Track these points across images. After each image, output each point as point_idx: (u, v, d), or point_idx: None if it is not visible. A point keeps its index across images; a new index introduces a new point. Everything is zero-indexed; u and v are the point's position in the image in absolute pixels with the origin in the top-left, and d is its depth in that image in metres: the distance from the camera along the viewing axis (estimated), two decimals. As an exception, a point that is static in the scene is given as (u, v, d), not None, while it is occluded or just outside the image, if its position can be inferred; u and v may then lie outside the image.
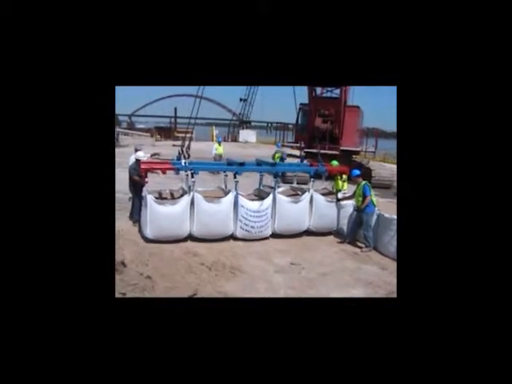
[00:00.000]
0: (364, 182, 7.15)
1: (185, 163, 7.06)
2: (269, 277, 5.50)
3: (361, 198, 7.00)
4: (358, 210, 7.10)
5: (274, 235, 7.22)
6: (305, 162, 10.73)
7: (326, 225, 7.63)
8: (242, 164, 7.61)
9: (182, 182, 7.80)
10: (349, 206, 7.55)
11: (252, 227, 6.90)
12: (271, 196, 7.13)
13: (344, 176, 8.83)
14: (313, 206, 7.42)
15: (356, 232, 7.25)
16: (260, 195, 7.75)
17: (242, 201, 6.86)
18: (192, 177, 6.82)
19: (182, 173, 7.10)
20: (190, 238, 6.62)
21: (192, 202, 6.46)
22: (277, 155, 13.38)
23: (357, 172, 7.32)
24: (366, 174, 13.70)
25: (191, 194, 6.49)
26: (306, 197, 7.43)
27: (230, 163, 8.19)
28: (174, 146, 26.63)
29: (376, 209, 7.04)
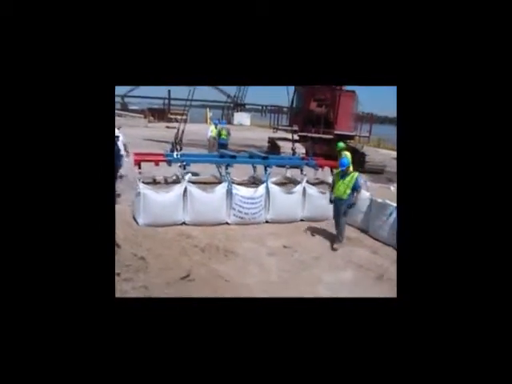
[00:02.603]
0: (357, 174, 6.55)
1: (177, 155, 7.10)
2: (262, 259, 5.59)
3: (349, 191, 6.36)
4: (335, 200, 6.52)
5: (267, 222, 7.27)
6: (297, 155, 10.80)
7: (318, 216, 7.67)
8: (233, 157, 7.72)
9: (176, 168, 7.83)
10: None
11: (246, 214, 6.96)
12: (264, 184, 7.16)
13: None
14: (306, 198, 7.46)
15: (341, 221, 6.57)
16: (255, 182, 7.81)
17: (236, 188, 6.90)
18: (184, 168, 6.86)
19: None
20: (184, 223, 6.65)
21: (185, 191, 6.48)
22: (223, 131, 13.42)
23: (347, 162, 6.51)
24: (360, 159, 13.75)
25: (184, 182, 6.51)
26: (299, 189, 7.47)
27: (222, 155, 8.26)
28: (167, 127, 26.53)
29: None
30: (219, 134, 13.52)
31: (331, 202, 6.65)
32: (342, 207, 6.43)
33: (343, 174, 6.44)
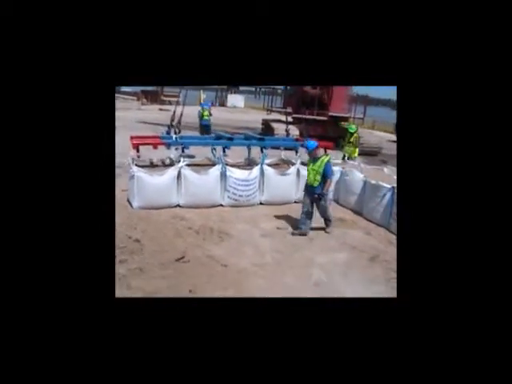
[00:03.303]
0: (327, 158, 5.88)
1: (176, 138, 7.04)
2: (255, 241, 5.62)
3: (319, 178, 5.77)
4: (309, 189, 5.95)
5: (261, 203, 7.30)
6: (290, 136, 10.81)
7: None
8: (230, 139, 7.68)
9: (169, 151, 7.80)
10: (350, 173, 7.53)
11: (240, 196, 6.95)
12: (259, 166, 7.15)
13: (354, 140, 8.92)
14: (300, 180, 7.43)
15: (310, 218, 6.01)
16: (249, 164, 7.80)
17: (231, 170, 6.88)
18: (183, 151, 6.81)
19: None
20: (178, 206, 6.66)
21: (179, 174, 6.45)
22: (205, 113, 13.33)
23: (312, 144, 5.91)
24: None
25: (179, 165, 6.47)
26: (293, 170, 7.45)
27: (218, 137, 8.20)
28: (160, 110, 26.22)
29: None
30: (201, 116, 13.39)
31: (305, 190, 6.09)
32: (313, 196, 5.86)
33: (314, 158, 5.87)
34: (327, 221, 6.17)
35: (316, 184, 5.81)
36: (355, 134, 9.71)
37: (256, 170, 7.10)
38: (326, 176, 5.78)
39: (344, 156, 9.22)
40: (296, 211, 6.50)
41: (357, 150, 9.64)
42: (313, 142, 5.95)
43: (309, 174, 5.95)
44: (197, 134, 12.94)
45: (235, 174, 6.92)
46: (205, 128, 13.19)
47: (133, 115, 19.46)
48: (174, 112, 8.07)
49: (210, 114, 13.63)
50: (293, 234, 5.92)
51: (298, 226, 6.01)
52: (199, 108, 13.97)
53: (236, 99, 37.69)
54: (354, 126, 9.67)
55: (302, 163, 7.72)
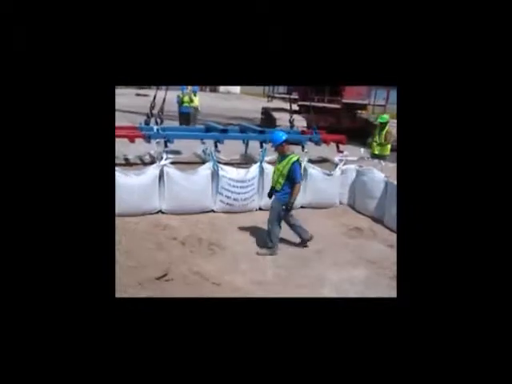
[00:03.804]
0: (295, 158, 5.62)
1: (157, 130, 6.96)
2: (254, 254, 5.62)
3: (283, 181, 5.61)
4: (272, 192, 5.86)
5: (261, 209, 7.31)
6: (295, 128, 10.76)
7: (322, 201, 7.76)
8: (223, 131, 7.60)
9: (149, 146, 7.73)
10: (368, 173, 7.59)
11: (235, 200, 6.95)
12: (258, 164, 7.16)
13: (385, 134, 8.63)
14: (307, 181, 7.49)
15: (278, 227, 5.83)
16: (246, 161, 7.78)
17: (224, 169, 6.86)
18: (166, 146, 6.74)
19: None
20: (160, 212, 6.67)
21: (161, 173, 6.45)
22: (185, 98, 13.18)
23: (277, 137, 5.68)
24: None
25: (161, 162, 6.45)
26: None
27: (209, 129, 8.13)
28: (137, 95, 26.24)
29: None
30: (181, 102, 13.24)
31: (269, 195, 5.98)
32: (278, 204, 5.71)
33: (282, 156, 5.71)
34: (268, 240, 5.77)
35: (279, 187, 5.68)
36: (387, 128, 8.89)
37: (254, 169, 7.11)
38: (292, 180, 5.58)
39: (373, 155, 8.87)
40: (304, 219, 6.52)
41: (389, 146, 9.01)
42: (280, 135, 5.72)
43: (273, 174, 5.88)
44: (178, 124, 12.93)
45: (229, 173, 6.90)
46: (184, 116, 13.08)
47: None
48: (155, 97, 7.95)
49: (191, 101, 13.37)
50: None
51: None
52: (179, 92, 13.68)
53: (230, 83, 37.76)
54: (385, 116, 9.19)
55: (310, 160, 7.74)
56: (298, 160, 5.63)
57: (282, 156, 5.68)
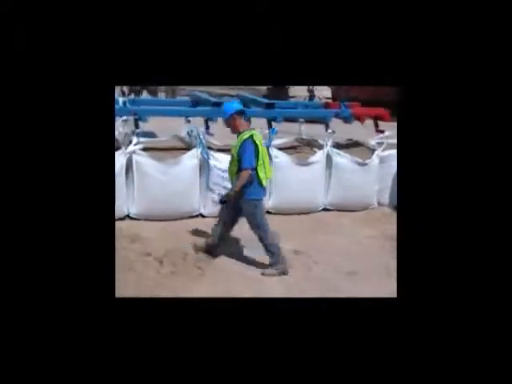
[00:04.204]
0: (248, 135, 5.70)
1: (124, 103, 6.88)
2: (258, 275, 5.63)
3: (235, 168, 5.76)
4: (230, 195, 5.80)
5: (268, 212, 7.17)
6: (316, 99, 10.67)
7: (354, 201, 7.80)
8: (216, 105, 7.47)
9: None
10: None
11: (231, 200, 6.91)
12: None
13: None
14: (332, 173, 7.54)
15: (227, 230, 6.05)
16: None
17: (217, 158, 6.86)
18: (136, 125, 6.67)
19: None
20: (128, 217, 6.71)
21: (130, 163, 6.48)
22: None
23: (231, 108, 5.87)
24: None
25: (129, 148, 6.49)
26: (321, 157, 7.52)
27: (197, 102, 8.02)
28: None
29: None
30: None
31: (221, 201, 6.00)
32: (249, 204, 5.78)
33: (239, 134, 5.84)
34: (268, 252, 5.84)
35: (233, 176, 5.81)
36: None
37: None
38: (240, 164, 5.63)
39: None
40: (325, 225, 6.49)
41: None
42: (231, 105, 5.93)
43: (231, 166, 5.90)
44: (161, 96, 12.94)
45: (224, 163, 6.69)
46: None
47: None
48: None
49: None
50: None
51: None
52: None
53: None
54: None
55: (337, 145, 7.68)
56: (250, 137, 5.65)
57: (239, 134, 5.76)
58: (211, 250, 5.92)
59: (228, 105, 5.95)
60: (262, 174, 5.67)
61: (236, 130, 5.77)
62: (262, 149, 5.71)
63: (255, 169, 5.60)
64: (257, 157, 5.62)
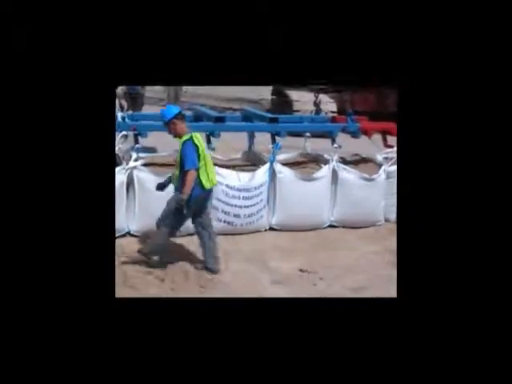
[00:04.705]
0: (187, 137, 5.82)
1: (123, 118, 6.96)
2: (263, 291, 5.59)
3: (178, 172, 5.87)
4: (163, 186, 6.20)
5: (272, 229, 7.31)
6: (322, 113, 10.70)
7: (361, 217, 7.77)
8: (219, 119, 7.50)
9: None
10: None
11: (236, 216, 6.94)
12: (268, 166, 7.14)
13: None
14: (338, 189, 7.53)
15: (171, 230, 6.04)
16: (251, 161, 7.71)
17: (220, 174, 6.83)
18: (137, 141, 6.72)
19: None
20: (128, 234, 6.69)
21: (131, 179, 6.48)
22: None
23: (171, 112, 5.97)
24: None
25: (130, 164, 6.49)
26: (326, 172, 7.50)
27: (198, 117, 8.07)
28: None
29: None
30: None
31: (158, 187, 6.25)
32: (171, 201, 5.89)
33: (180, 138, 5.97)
34: (206, 262, 6.07)
35: (176, 183, 5.89)
36: None
37: (262, 173, 7.10)
38: (182, 166, 5.72)
39: None
40: (332, 241, 6.46)
41: None
42: (170, 109, 6.07)
43: (176, 168, 5.95)
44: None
45: (227, 179, 6.87)
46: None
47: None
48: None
49: None
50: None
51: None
52: None
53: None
54: None
55: (343, 160, 7.65)
56: (190, 138, 5.76)
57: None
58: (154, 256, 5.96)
59: (167, 109, 6.08)
60: (203, 177, 5.78)
61: (177, 135, 5.88)
62: (203, 150, 5.84)
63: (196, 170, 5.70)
64: (198, 158, 5.73)
